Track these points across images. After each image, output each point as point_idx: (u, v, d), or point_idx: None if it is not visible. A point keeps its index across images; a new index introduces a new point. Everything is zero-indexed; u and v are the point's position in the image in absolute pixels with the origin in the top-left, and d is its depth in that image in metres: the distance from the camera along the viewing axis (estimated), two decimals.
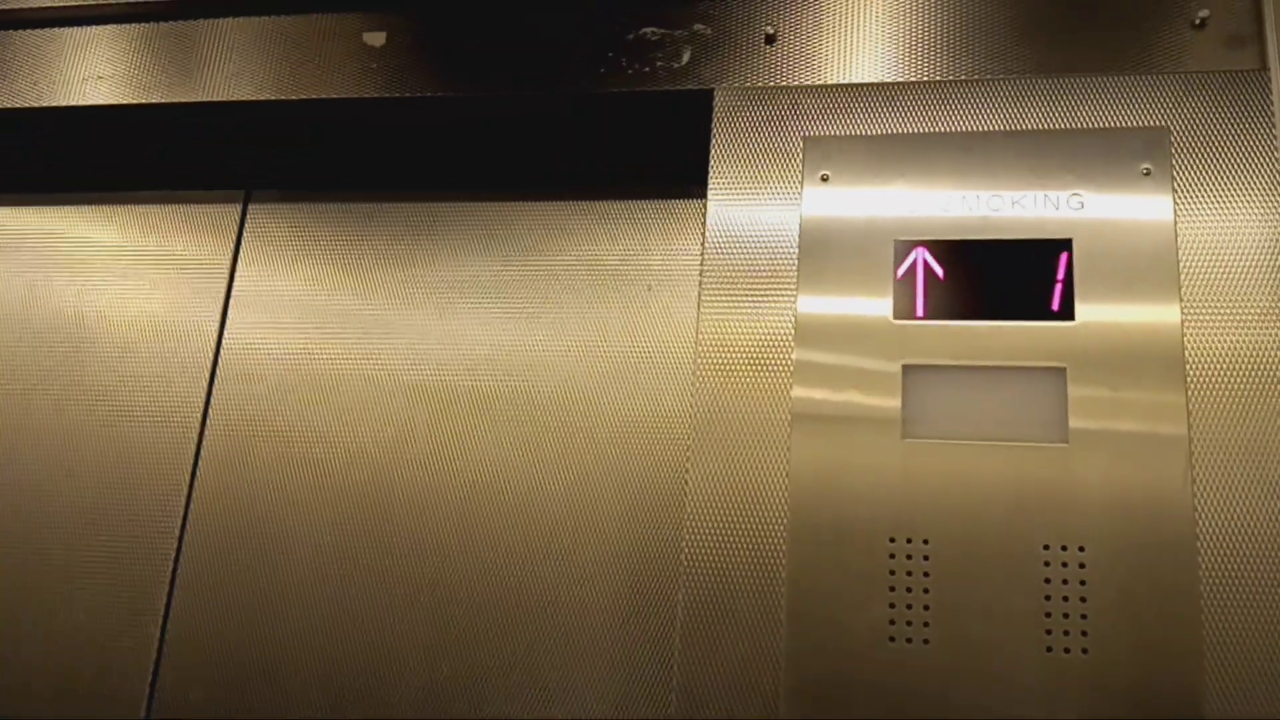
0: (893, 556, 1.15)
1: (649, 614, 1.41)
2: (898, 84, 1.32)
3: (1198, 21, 1.27)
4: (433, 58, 1.48)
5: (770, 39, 1.38)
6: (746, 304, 1.28)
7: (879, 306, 1.24)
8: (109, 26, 1.61)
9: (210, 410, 1.63)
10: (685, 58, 1.40)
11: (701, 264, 1.31)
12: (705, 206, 1.33)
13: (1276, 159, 1.19)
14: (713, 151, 1.35)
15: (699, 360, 1.27)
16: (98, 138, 1.68)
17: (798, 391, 1.23)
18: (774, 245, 1.29)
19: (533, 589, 1.45)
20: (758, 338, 1.26)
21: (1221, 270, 1.17)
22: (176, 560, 1.57)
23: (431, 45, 1.49)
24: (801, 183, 1.31)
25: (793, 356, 1.24)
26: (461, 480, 1.51)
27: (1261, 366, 1.13)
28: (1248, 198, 1.19)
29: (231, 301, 1.68)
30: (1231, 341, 1.15)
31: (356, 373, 1.59)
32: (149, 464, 1.62)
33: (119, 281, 1.74)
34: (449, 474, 1.52)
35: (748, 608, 1.18)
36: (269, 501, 1.56)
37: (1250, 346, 1.14)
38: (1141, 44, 1.28)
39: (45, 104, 1.59)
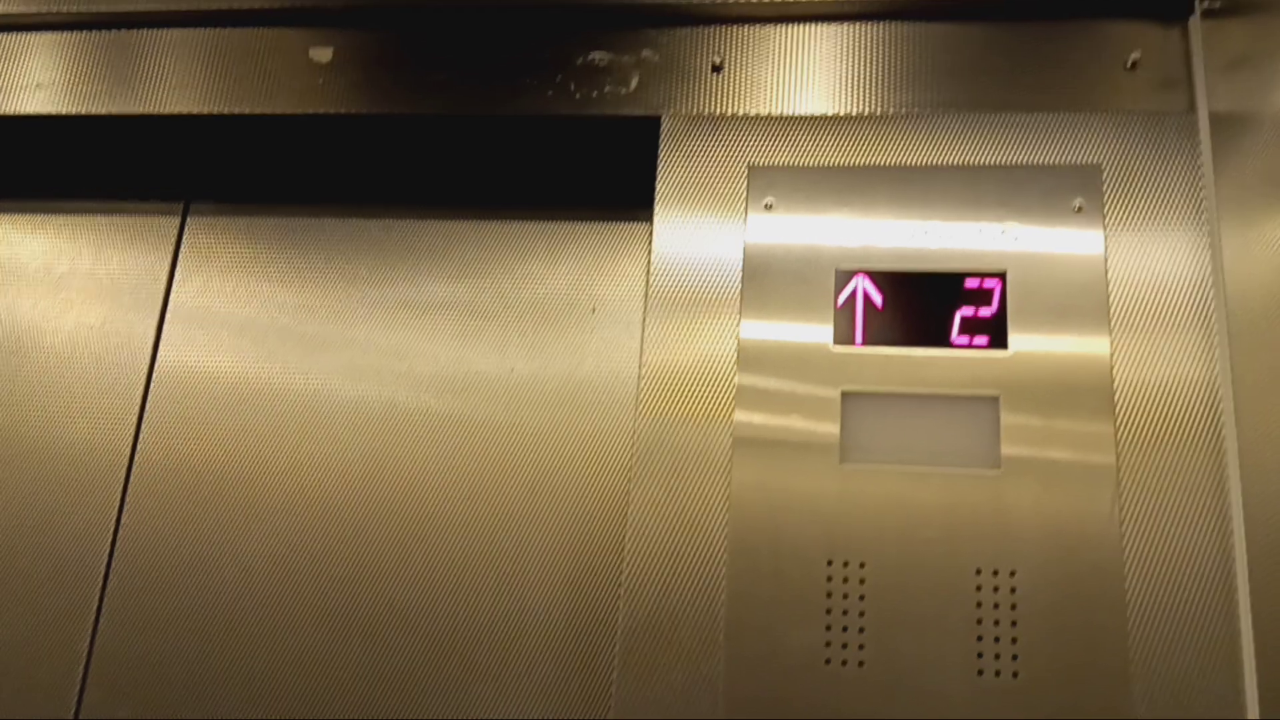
0: (830, 579, 1.16)
1: (589, 638, 1.40)
2: (840, 117, 1.35)
3: (1129, 64, 1.31)
4: (380, 76, 1.48)
5: (717, 68, 1.40)
6: (690, 327, 1.29)
7: (820, 333, 1.25)
8: (48, 34, 1.58)
9: (143, 426, 1.59)
10: (633, 84, 1.42)
11: (646, 287, 1.32)
12: (651, 230, 1.34)
13: (1203, 197, 1.23)
14: (659, 176, 1.36)
15: (642, 382, 1.28)
16: (34, 146, 1.65)
17: (740, 415, 1.24)
18: (718, 270, 1.31)
19: (471, 614, 1.43)
20: (701, 361, 1.27)
21: (1150, 303, 1.21)
22: (105, 579, 1.53)
23: (379, 63, 1.48)
24: (746, 210, 1.33)
25: (735, 381, 1.26)
26: (399, 501, 1.49)
27: (1187, 398, 1.17)
28: (1175, 234, 1.23)
29: (167, 316, 1.65)
30: (1158, 373, 1.18)
31: (294, 391, 1.57)
32: (79, 480, 1.58)
33: (51, 293, 1.70)
34: (387, 495, 1.50)
35: (687, 631, 1.18)
36: (201, 521, 1.53)
37: (1176, 378, 1.18)
38: (1075, 84, 1.32)
39: None
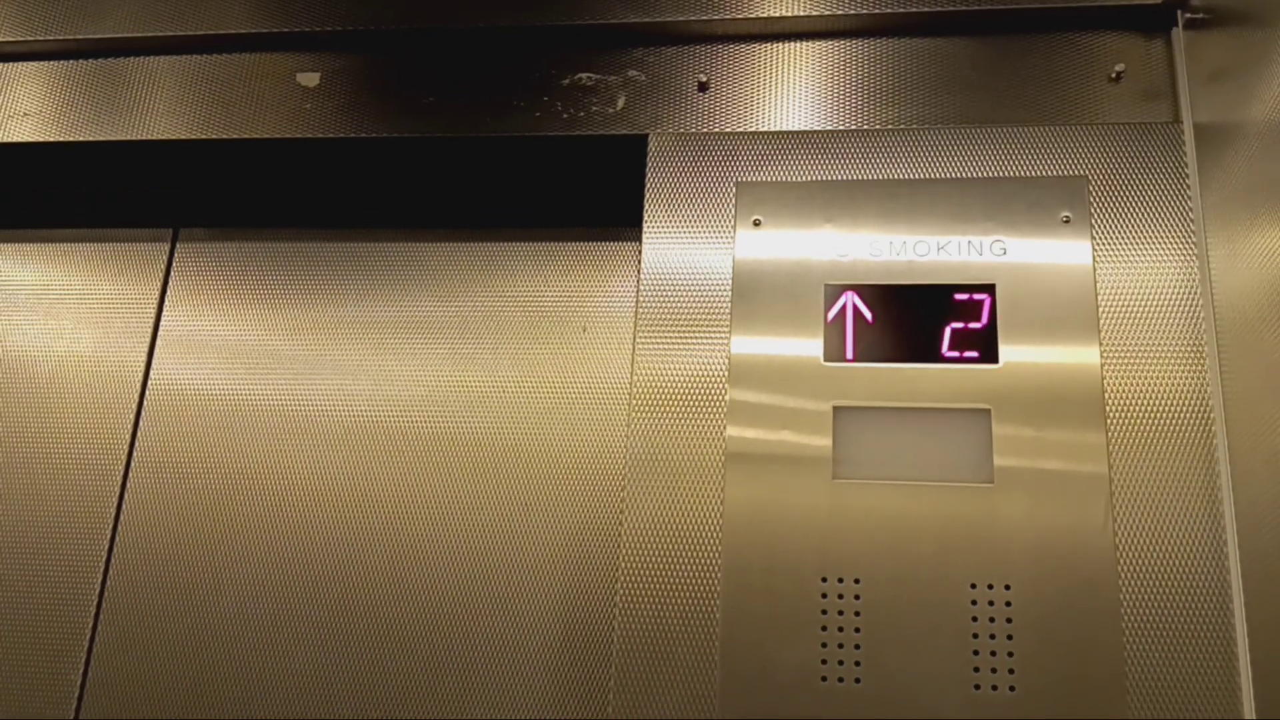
0: (825, 596, 1.16)
1: (584, 655, 1.40)
2: (827, 132, 1.35)
3: (1114, 75, 1.32)
4: (367, 99, 1.48)
5: (703, 87, 1.41)
6: (681, 344, 1.29)
7: (810, 348, 1.26)
8: (34, 63, 1.59)
9: (135, 452, 1.59)
10: (620, 103, 1.42)
11: (636, 305, 1.32)
12: (640, 248, 1.34)
13: (1189, 207, 1.24)
14: (647, 195, 1.36)
15: (634, 400, 1.28)
16: (22, 175, 1.65)
17: (732, 431, 1.24)
18: (708, 287, 1.31)
19: (466, 631, 1.43)
20: (692, 377, 1.27)
21: (1138, 313, 1.21)
22: (99, 603, 1.52)
23: (366, 87, 1.49)
24: (734, 226, 1.33)
25: (727, 397, 1.26)
26: (393, 522, 1.49)
27: (1177, 405, 1.17)
28: (1162, 244, 1.24)
29: (158, 341, 1.65)
30: (1149, 382, 1.19)
31: (286, 414, 1.57)
32: (72, 506, 1.57)
33: (43, 321, 1.69)
34: (380, 516, 1.50)
35: (682, 648, 1.18)
36: (195, 544, 1.52)
37: (1166, 386, 1.18)
38: (1061, 97, 1.33)
39: None
